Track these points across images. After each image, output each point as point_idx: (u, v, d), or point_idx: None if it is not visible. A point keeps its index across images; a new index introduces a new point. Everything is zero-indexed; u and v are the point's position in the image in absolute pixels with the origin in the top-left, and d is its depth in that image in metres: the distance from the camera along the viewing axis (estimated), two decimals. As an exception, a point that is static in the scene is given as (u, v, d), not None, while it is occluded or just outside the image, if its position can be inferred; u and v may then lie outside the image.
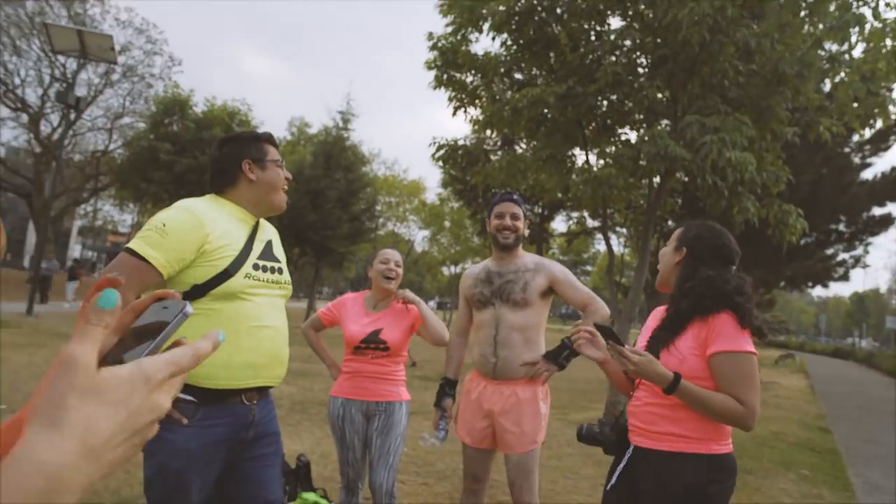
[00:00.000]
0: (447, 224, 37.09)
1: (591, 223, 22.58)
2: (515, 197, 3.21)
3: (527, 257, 3.22)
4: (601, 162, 8.57)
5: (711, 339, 2.02)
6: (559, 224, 45.78)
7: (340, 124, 25.27)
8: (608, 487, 2.22)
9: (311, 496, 3.92)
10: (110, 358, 0.52)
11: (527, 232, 3.25)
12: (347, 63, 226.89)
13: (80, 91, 23.10)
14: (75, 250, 51.34)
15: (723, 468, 2.04)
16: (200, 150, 20.94)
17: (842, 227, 18.11)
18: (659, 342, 2.14)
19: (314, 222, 22.49)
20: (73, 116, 21.05)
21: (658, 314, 2.34)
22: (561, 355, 2.90)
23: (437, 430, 3.20)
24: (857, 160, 17.02)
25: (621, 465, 2.19)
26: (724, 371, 1.99)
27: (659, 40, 7.62)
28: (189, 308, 0.58)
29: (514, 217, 3.15)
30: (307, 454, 4.46)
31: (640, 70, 8.20)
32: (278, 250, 2.41)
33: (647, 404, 2.14)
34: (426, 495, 4.68)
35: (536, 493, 3.07)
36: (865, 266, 20.87)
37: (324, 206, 22.67)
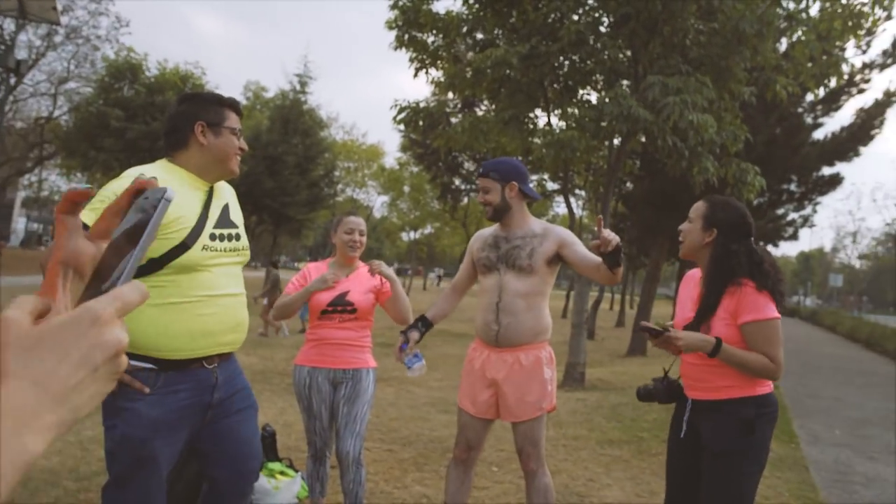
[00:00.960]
0: (406, 189, 36.73)
1: (550, 186, 22.65)
2: (483, 169, 3.07)
3: (534, 223, 3.09)
4: (563, 124, 8.53)
5: (741, 310, 2.33)
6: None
7: (298, 88, 24.70)
8: (682, 435, 2.54)
9: (276, 466, 3.86)
10: (89, 294, 0.52)
11: (510, 192, 3.00)
12: (304, 23, 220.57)
13: (21, 54, 21.96)
14: (19, 223, 49.51)
15: (767, 403, 2.45)
16: (152, 116, 20.22)
17: (793, 186, 18.46)
18: (703, 318, 2.42)
19: (272, 189, 22.08)
20: (13, 81, 20.07)
21: (691, 281, 2.61)
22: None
23: (410, 359, 3.06)
24: (809, 120, 17.31)
25: (686, 416, 2.53)
26: (755, 337, 2.33)
27: (622, -2, 7.54)
28: (170, 193, 0.55)
29: (485, 191, 3.03)
30: (271, 424, 4.40)
31: (603, 29, 8.13)
32: (235, 214, 2.32)
33: (696, 365, 2.47)
34: (391, 461, 4.67)
35: (544, 459, 3.04)
36: (812, 225, 21.43)
37: (281, 172, 22.26)
